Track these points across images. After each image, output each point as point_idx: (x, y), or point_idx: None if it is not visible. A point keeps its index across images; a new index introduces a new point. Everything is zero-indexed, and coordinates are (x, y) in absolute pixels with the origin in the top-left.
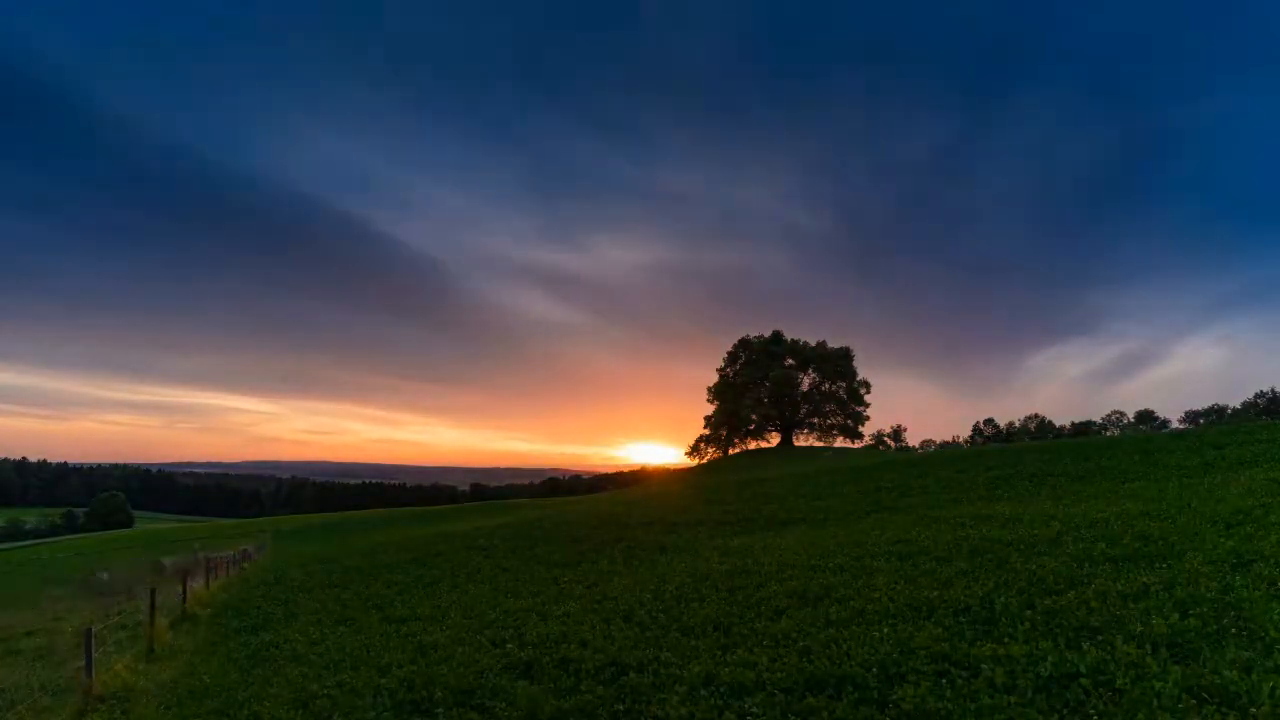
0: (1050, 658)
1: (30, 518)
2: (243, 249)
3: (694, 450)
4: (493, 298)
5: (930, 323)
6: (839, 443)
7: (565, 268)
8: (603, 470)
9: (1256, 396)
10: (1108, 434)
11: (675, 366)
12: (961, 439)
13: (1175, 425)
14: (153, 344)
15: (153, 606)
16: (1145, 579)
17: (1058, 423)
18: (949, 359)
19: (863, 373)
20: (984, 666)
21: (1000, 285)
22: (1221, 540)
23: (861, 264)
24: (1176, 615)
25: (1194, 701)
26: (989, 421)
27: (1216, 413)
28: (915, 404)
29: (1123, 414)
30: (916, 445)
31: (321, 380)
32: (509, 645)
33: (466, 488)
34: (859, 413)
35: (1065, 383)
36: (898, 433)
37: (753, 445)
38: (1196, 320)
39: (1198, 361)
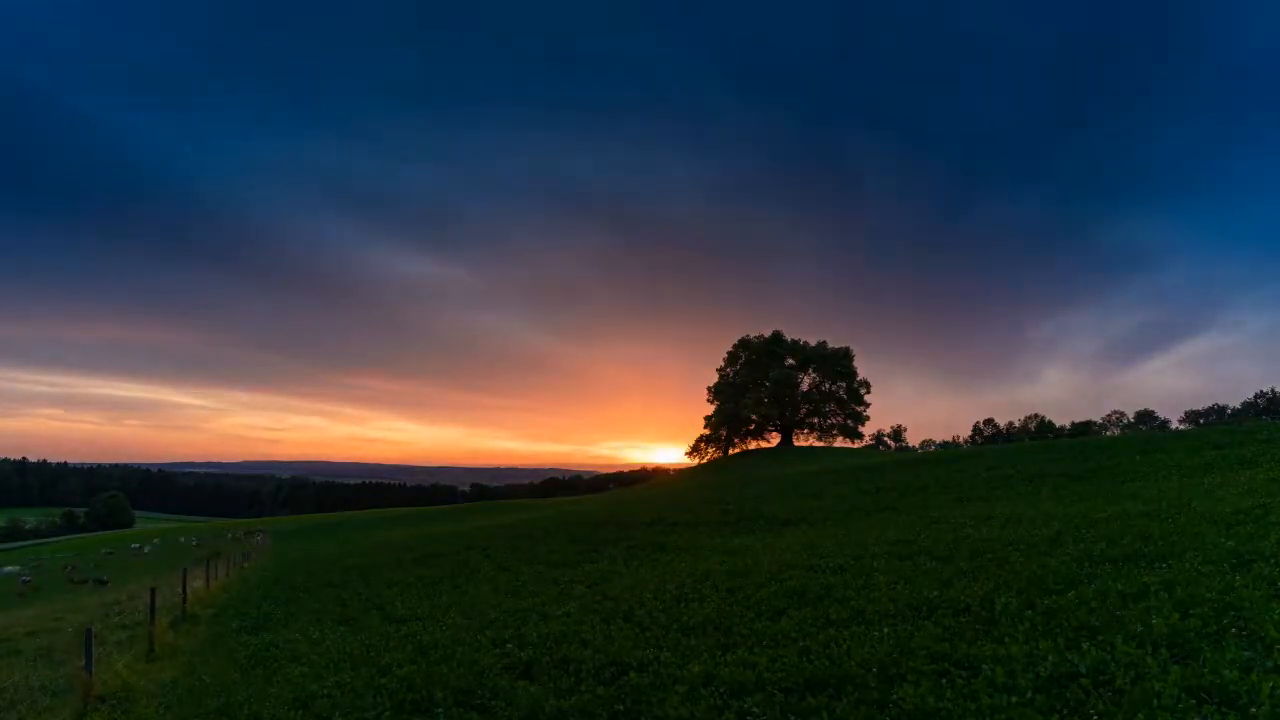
0: (1050, 658)
1: (30, 518)
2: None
3: (694, 450)
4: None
5: (899, 255)
6: (839, 443)
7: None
8: (603, 470)
9: (1256, 397)
10: (1108, 434)
11: (602, 342)
12: (961, 439)
13: (1175, 425)
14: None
15: (153, 606)
16: (1145, 579)
17: (1058, 422)
18: (935, 331)
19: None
20: (984, 666)
21: (992, 193)
22: (1221, 540)
23: (812, 177)
24: (1176, 615)
25: (1194, 701)
26: (989, 421)
27: (1216, 412)
28: (897, 383)
29: (1123, 414)
30: (916, 445)
31: (244, 369)
32: (509, 645)
33: (467, 488)
34: (859, 413)
35: (1075, 363)
36: (898, 433)
37: (753, 445)
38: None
39: (1243, 331)
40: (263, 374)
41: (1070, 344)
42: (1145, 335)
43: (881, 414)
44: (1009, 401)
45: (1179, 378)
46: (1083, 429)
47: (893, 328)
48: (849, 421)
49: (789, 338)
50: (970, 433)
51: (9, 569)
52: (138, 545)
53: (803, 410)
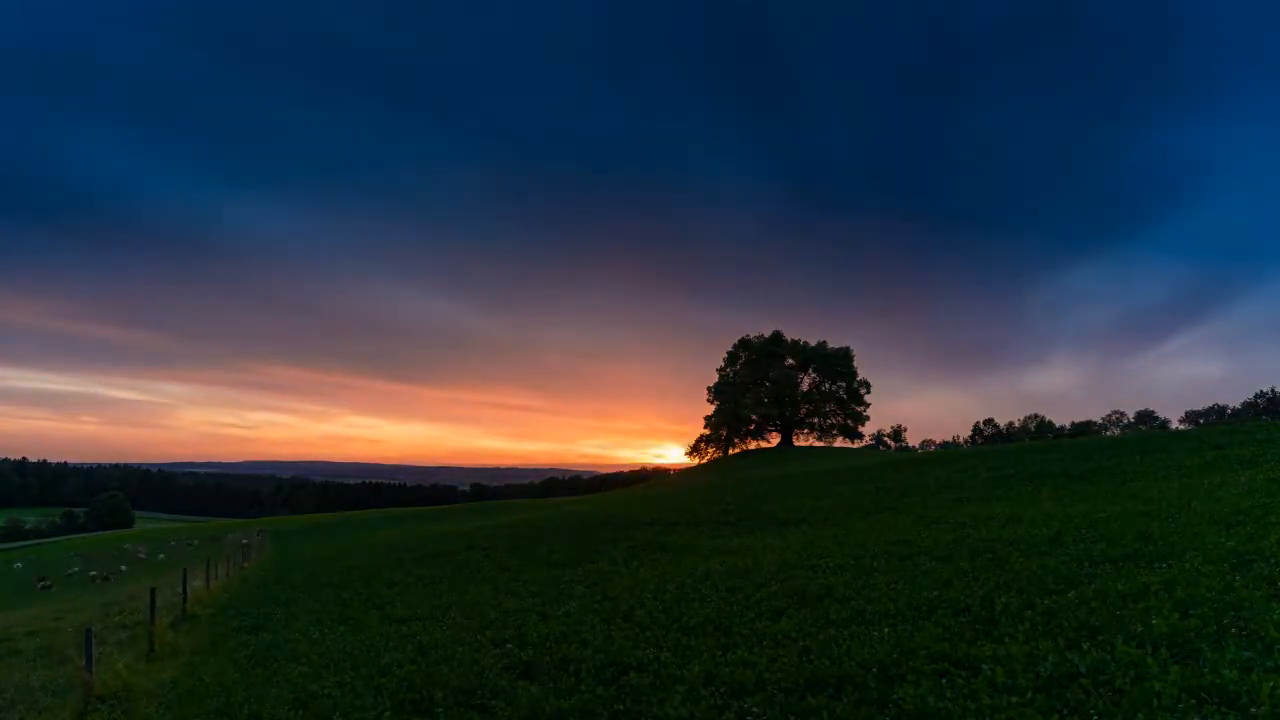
0: (1050, 658)
1: (30, 518)
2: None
3: (694, 450)
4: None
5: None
6: (839, 443)
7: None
8: (603, 470)
9: (1256, 397)
10: (1108, 434)
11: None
12: (962, 439)
13: (1175, 425)
14: None
15: (153, 606)
16: (1145, 579)
17: (1058, 421)
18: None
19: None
20: (984, 666)
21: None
22: (1221, 540)
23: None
24: (1176, 615)
25: (1194, 701)
26: (989, 421)
27: (1217, 412)
28: (887, 371)
29: (1123, 413)
30: (916, 445)
31: (176, 362)
32: (509, 645)
33: (466, 487)
34: (859, 413)
35: (1084, 340)
36: (898, 433)
37: (753, 445)
38: None
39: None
40: (196, 364)
41: (1078, 315)
42: (1171, 302)
43: (876, 408)
44: (1011, 393)
45: (1208, 360)
46: (1083, 429)
47: (875, 297)
48: (849, 421)
49: (789, 337)
50: (970, 433)
51: (16, 565)
52: (175, 542)
53: (803, 410)
